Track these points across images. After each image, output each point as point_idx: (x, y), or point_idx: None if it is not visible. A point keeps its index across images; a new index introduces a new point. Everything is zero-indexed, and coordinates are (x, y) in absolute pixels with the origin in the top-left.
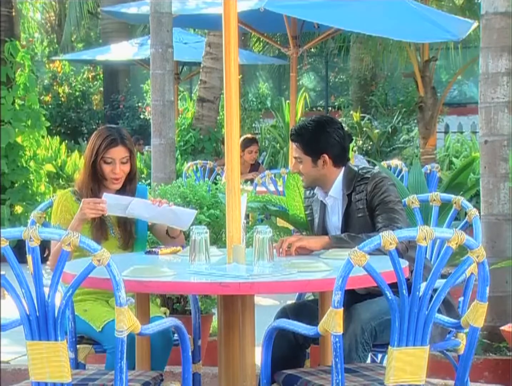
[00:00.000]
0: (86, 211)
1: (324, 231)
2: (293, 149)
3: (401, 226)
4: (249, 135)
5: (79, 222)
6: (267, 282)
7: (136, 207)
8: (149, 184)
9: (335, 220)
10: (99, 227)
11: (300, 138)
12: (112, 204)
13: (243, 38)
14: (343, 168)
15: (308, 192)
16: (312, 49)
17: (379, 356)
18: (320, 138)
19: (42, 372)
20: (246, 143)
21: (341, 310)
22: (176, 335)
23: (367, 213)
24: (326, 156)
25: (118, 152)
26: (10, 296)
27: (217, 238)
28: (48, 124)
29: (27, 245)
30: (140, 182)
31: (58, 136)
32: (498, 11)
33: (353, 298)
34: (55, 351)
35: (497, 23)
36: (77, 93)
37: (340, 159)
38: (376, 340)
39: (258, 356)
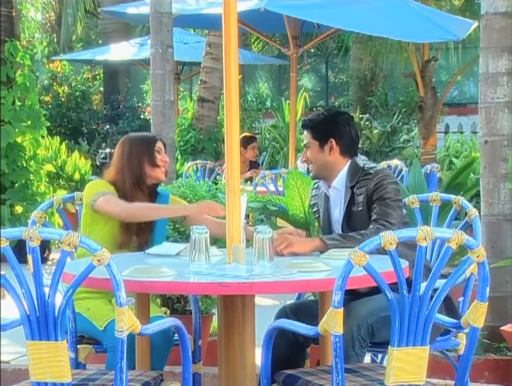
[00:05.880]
0: (206, 211)
1: (329, 225)
2: (304, 137)
3: (393, 222)
4: (247, 134)
5: (183, 211)
6: (267, 282)
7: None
8: None
9: (336, 213)
10: (125, 232)
11: (310, 124)
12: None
13: (243, 38)
14: (349, 161)
15: (314, 191)
16: (312, 49)
17: (379, 356)
18: (329, 124)
19: (42, 372)
20: (248, 140)
21: (341, 310)
22: (176, 335)
23: (366, 208)
24: (333, 141)
25: (160, 143)
26: (10, 296)
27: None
28: (48, 124)
29: (27, 245)
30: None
31: (58, 136)
32: (498, 11)
33: (351, 297)
34: (55, 351)
35: (497, 23)
36: (77, 93)
37: (348, 149)
38: (374, 337)
39: (258, 356)
